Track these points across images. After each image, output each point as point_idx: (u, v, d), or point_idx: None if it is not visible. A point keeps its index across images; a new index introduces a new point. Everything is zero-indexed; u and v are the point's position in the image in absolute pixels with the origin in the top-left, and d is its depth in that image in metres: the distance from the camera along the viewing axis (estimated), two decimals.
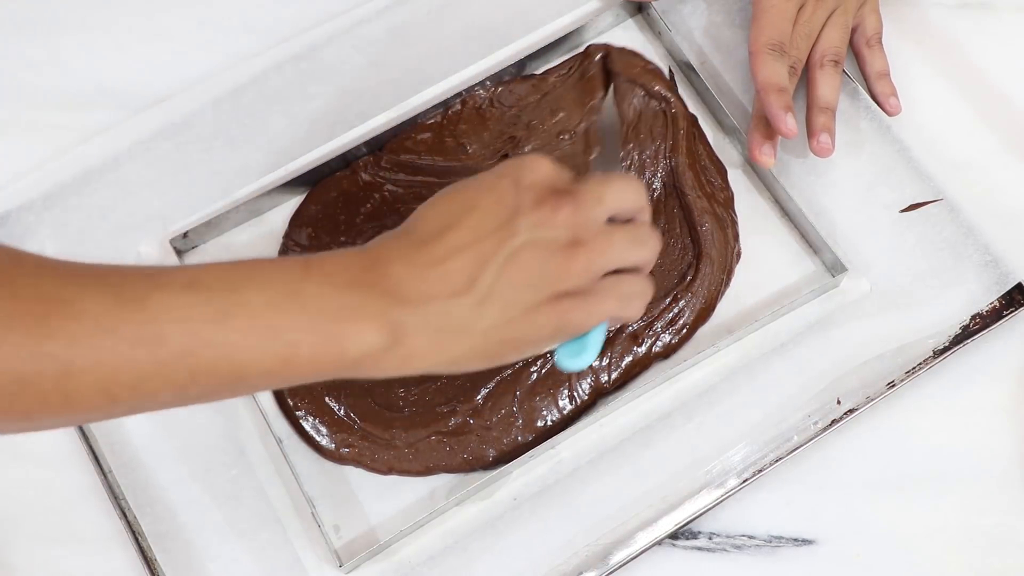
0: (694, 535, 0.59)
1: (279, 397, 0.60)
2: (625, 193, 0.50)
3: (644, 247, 0.50)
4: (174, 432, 0.59)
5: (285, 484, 0.58)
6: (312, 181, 0.65)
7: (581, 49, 0.68)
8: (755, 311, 0.62)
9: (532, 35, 0.69)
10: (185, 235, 0.62)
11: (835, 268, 0.62)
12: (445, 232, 0.46)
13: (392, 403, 0.60)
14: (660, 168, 0.65)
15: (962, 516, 0.59)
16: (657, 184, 0.64)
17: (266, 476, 0.58)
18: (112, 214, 0.63)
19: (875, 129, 0.66)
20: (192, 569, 0.56)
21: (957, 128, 0.68)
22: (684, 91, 0.68)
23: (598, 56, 0.66)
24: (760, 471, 0.58)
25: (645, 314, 0.61)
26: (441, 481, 0.59)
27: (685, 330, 0.61)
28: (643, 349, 0.61)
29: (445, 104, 0.66)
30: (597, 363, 0.60)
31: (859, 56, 0.68)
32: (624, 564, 0.57)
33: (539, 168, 0.48)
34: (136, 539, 0.56)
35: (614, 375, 0.60)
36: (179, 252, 0.63)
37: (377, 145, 0.65)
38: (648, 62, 0.66)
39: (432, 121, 0.66)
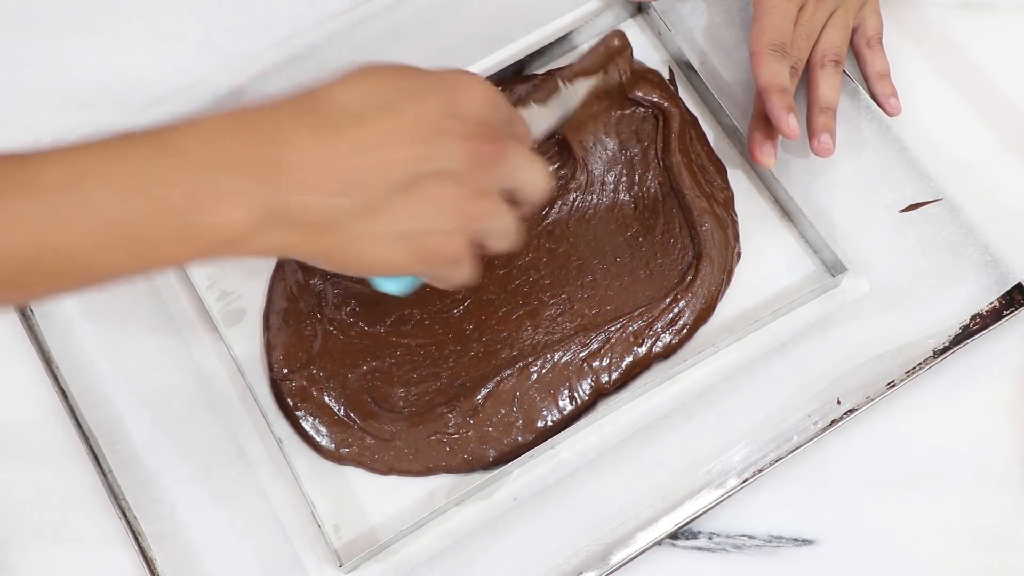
0: (694, 535, 0.59)
1: (279, 397, 0.60)
2: (539, 179, 0.48)
3: (503, 238, 0.47)
4: (174, 432, 0.59)
5: (285, 484, 0.58)
6: None
7: (580, 48, 0.68)
8: (755, 311, 0.62)
9: (532, 35, 0.69)
10: None
11: (835, 268, 0.62)
12: (358, 126, 0.43)
13: (392, 403, 0.60)
14: (652, 169, 0.65)
15: (962, 516, 0.59)
16: (652, 184, 0.64)
17: (266, 476, 0.58)
18: None
19: (875, 129, 0.66)
20: (192, 569, 0.56)
21: (957, 128, 0.68)
22: (684, 91, 0.68)
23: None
24: (760, 471, 0.58)
25: (646, 314, 0.61)
26: (441, 481, 0.59)
27: (685, 330, 0.61)
28: (643, 349, 0.61)
29: None
30: (598, 363, 0.60)
31: (859, 56, 0.68)
32: (624, 564, 0.57)
33: (476, 95, 0.45)
34: (136, 539, 0.56)
35: (614, 375, 0.60)
36: None
37: None
38: (645, 70, 0.66)
39: None
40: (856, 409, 0.59)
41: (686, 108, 0.66)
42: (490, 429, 0.59)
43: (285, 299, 0.62)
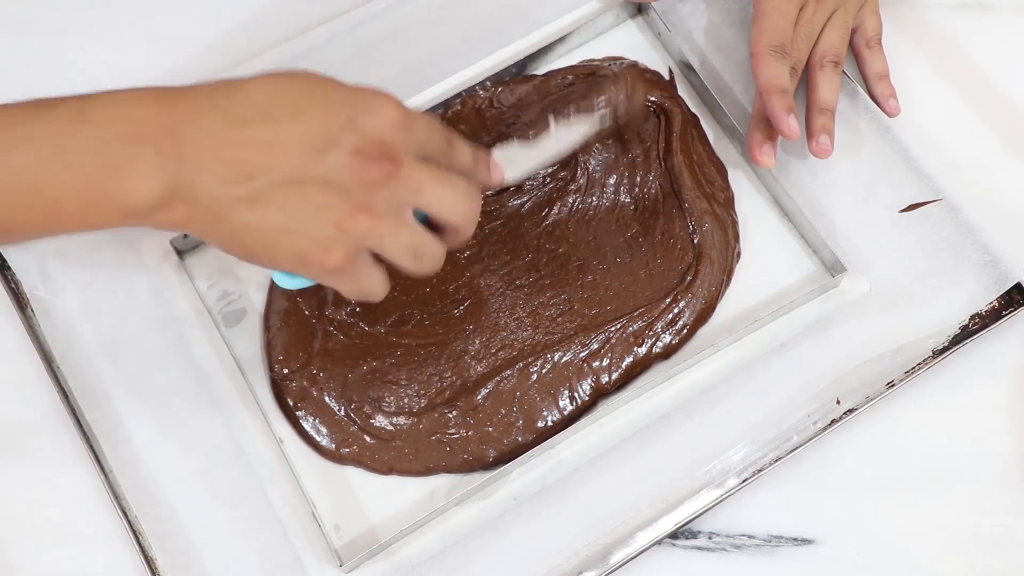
0: (694, 535, 0.59)
1: (279, 397, 0.60)
2: (449, 204, 0.49)
3: (418, 261, 0.49)
4: (174, 432, 0.59)
5: (285, 484, 0.58)
6: None
7: (580, 48, 0.68)
8: (755, 311, 0.62)
9: (532, 35, 0.69)
10: (185, 235, 0.62)
11: (835, 268, 0.62)
12: (259, 122, 0.45)
13: (392, 403, 0.60)
14: (653, 169, 0.65)
15: (962, 516, 0.59)
16: (652, 185, 0.64)
17: (266, 476, 0.58)
18: None
19: (875, 129, 0.66)
20: (192, 569, 0.56)
21: (957, 128, 0.68)
22: (684, 91, 0.68)
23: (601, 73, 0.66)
24: (760, 471, 0.58)
25: (647, 314, 0.61)
26: (441, 481, 0.59)
27: (685, 331, 0.62)
28: (643, 350, 0.61)
29: (445, 104, 0.66)
30: (598, 363, 0.60)
31: (859, 57, 0.68)
32: (624, 564, 0.57)
33: (381, 116, 0.47)
34: (136, 539, 0.56)
35: (615, 376, 0.60)
36: (179, 252, 0.63)
37: None
38: (644, 70, 0.66)
39: None
40: (856, 409, 0.59)
41: (687, 108, 0.66)
42: (490, 429, 0.59)
43: (285, 299, 0.62)
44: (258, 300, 0.62)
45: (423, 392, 0.60)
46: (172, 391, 0.60)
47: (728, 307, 0.63)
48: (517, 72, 0.67)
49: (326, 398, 0.60)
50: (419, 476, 0.59)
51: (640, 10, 0.70)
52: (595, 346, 0.61)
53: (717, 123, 0.67)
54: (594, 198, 0.64)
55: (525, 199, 0.64)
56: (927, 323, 0.61)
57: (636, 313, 0.61)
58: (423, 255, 0.49)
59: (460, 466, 0.59)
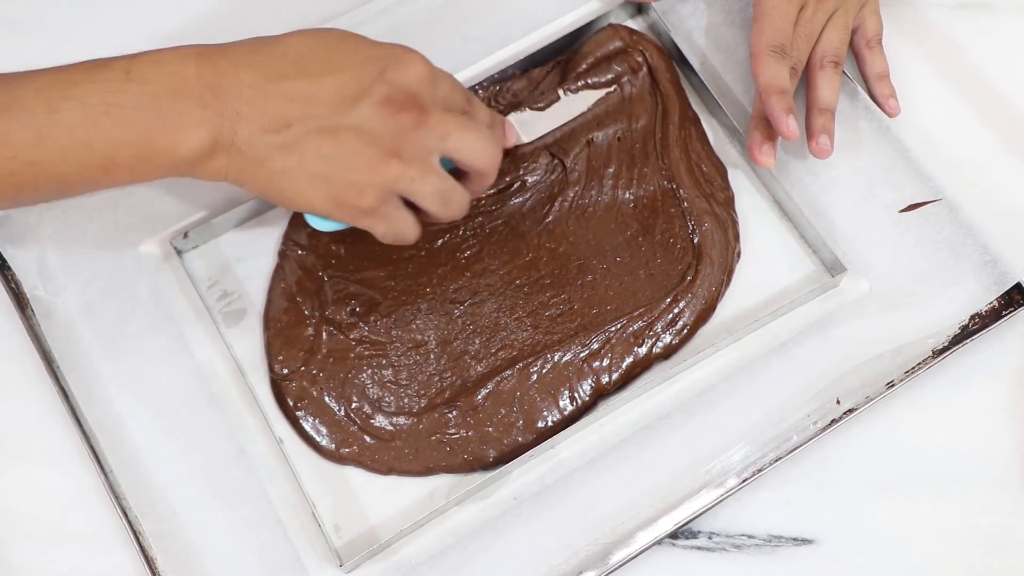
0: (694, 535, 0.59)
1: (279, 397, 0.60)
2: (474, 148, 0.52)
3: (446, 206, 0.52)
4: (174, 432, 0.59)
5: (285, 484, 0.58)
6: None
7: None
8: (755, 311, 0.62)
9: (532, 35, 0.69)
10: (185, 235, 0.62)
11: (834, 268, 0.62)
12: (296, 76, 0.49)
13: (392, 403, 0.60)
14: (651, 162, 0.65)
15: (962, 516, 0.59)
16: (652, 183, 0.64)
17: (266, 476, 0.58)
18: (112, 214, 0.63)
19: (874, 129, 0.66)
20: (192, 569, 0.56)
21: (956, 128, 0.68)
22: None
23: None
24: (760, 471, 0.58)
25: (647, 314, 0.61)
26: (441, 481, 0.59)
27: (686, 331, 0.62)
28: (643, 350, 0.61)
29: None
30: (598, 363, 0.60)
31: (859, 57, 0.68)
32: (624, 564, 0.57)
33: (410, 68, 0.50)
34: (136, 539, 0.56)
35: (615, 376, 0.60)
36: (179, 252, 0.63)
37: None
38: (646, 39, 0.67)
39: None
40: (856, 409, 0.59)
41: (685, 98, 0.66)
42: (490, 429, 0.59)
43: (285, 299, 0.62)
44: (258, 300, 0.62)
45: (423, 392, 0.60)
46: (172, 391, 0.60)
47: (728, 307, 0.63)
48: (517, 72, 0.67)
49: (326, 398, 0.60)
50: (419, 476, 0.59)
51: (640, 10, 0.70)
52: (595, 346, 0.61)
53: (717, 123, 0.67)
54: (593, 192, 0.64)
55: (525, 197, 0.64)
56: (927, 323, 0.61)
57: (636, 313, 0.61)
58: (450, 200, 0.52)
59: (460, 466, 0.59)
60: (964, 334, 0.61)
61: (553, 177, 0.65)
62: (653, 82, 0.66)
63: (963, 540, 0.59)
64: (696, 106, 0.67)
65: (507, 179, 0.64)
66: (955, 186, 0.64)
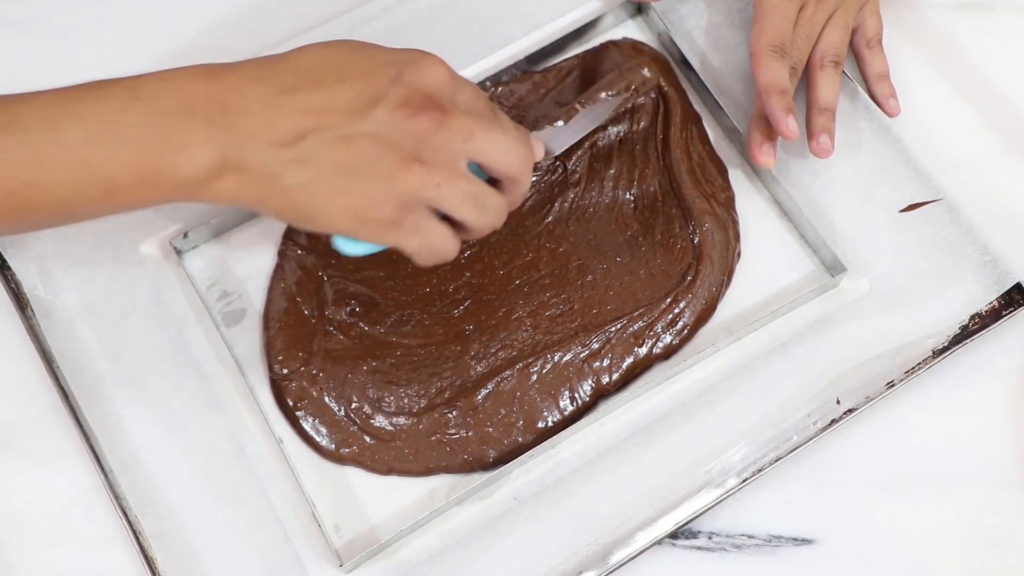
0: (694, 535, 0.59)
1: (279, 397, 0.60)
2: (502, 150, 0.48)
3: (480, 212, 0.49)
4: (174, 432, 0.59)
5: (285, 484, 0.58)
6: None
7: (580, 48, 0.68)
8: (755, 311, 0.62)
9: (532, 35, 0.69)
10: (185, 235, 0.62)
11: (834, 268, 0.62)
12: (307, 88, 0.46)
13: (392, 403, 0.60)
14: (652, 164, 0.65)
15: (962, 516, 0.59)
16: (652, 184, 0.64)
17: (266, 476, 0.58)
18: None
19: (874, 129, 0.66)
20: (192, 569, 0.56)
21: (956, 128, 0.68)
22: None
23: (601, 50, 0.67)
24: (760, 471, 0.58)
25: (647, 314, 0.61)
26: (441, 481, 0.59)
27: (686, 331, 0.62)
28: (644, 350, 0.61)
29: None
30: (598, 364, 0.60)
31: (859, 57, 0.68)
32: (624, 564, 0.57)
33: (429, 72, 0.47)
34: (136, 539, 0.56)
35: (615, 376, 0.60)
36: (179, 252, 0.63)
37: None
38: (649, 52, 0.67)
39: None
40: (856, 409, 0.59)
41: (687, 99, 0.66)
42: (490, 430, 0.59)
43: (285, 299, 0.62)
44: (258, 300, 0.62)
45: (423, 392, 0.60)
46: (172, 391, 0.60)
47: (728, 307, 0.63)
48: (517, 72, 0.67)
49: (326, 398, 0.60)
50: (419, 476, 0.59)
51: (640, 10, 0.70)
52: (595, 346, 0.61)
53: (717, 123, 0.67)
54: (594, 193, 0.64)
55: (526, 197, 0.64)
56: (927, 323, 0.61)
57: (636, 313, 0.61)
58: (485, 205, 0.49)
59: (460, 466, 0.59)
60: (964, 334, 0.61)
61: (554, 178, 0.65)
62: (656, 89, 0.66)
63: (963, 540, 0.59)
64: (696, 106, 0.67)
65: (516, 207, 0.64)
66: (955, 186, 0.64)
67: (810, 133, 0.63)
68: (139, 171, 0.45)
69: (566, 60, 0.68)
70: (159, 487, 0.58)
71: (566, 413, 0.60)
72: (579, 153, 0.65)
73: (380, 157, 0.46)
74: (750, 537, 0.59)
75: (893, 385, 0.60)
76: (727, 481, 0.58)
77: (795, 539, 0.59)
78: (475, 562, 0.57)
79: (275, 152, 0.46)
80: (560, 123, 0.61)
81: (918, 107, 0.68)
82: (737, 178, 0.66)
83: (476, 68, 0.68)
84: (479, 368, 0.61)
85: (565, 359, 0.61)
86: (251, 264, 0.63)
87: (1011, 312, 0.62)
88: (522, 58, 0.67)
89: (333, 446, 0.59)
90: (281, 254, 0.63)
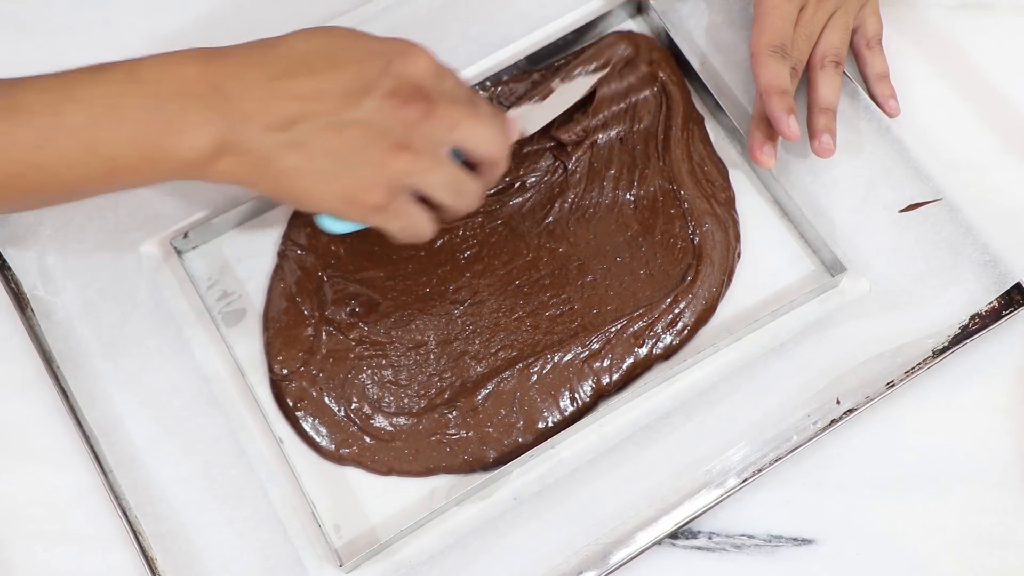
0: (694, 535, 0.59)
1: (279, 398, 0.60)
2: (484, 137, 0.51)
3: (459, 197, 0.52)
4: (174, 432, 0.59)
5: (285, 484, 0.58)
6: None
7: (583, 46, 0.69)
8: (755, 311, 0.62)
9: (532, 35, 0.69)
10: (185, 235, 0.62)
11: (834, 268, 0.62)
12: (300, 74, 0.49)
13: (392, 404, 0.60)
14: (652, 164, 0.65)
15: (962, 516, 0.59)
16: (652, 184, 0.64)
17: (266, 476, 0.58)
18: (112, 214, 0.63)
19: (875, 129, 0.66)
20: (192, 569, 0.56)
21: (956, 128, 0.68)
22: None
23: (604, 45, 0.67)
24: (760, 471, 0.58)
25: (647, 314, 0.61)
26: (441, 481, 0.59)
27: (686, 331, 0.61)
28: (644, 350, 0.61)
29: None
30: (598, 364, 0.60)
31: (859, 57, 0.68)
32: (624, 564, 0.57)
33: (415, 62, 0.50)
34: (136, 539, 0.56)
35: (615, 377, 0.60)
36: (179, 252, 0.63)
37: None
38: (654, 44, 0.67)
39: None
40: (856, 409, 0.59)
41: (691, 99, 0.66)
42: (490, 430, 0.59)
43: (285, 299, 0.62)
44: (258, 300, 0.62)
45: (423, 392, 0.60)
46: (172, 391, 0.60)
47: (728, 307, 0.63)
48: (518, 72, 0.67)
49: (326, 399, 0.60)
50: (419, 477, 0.59)
51: (640, 10, 0.70)
52: (596, 346, 0.61)
53: (717, 123, 0.67)
54: (594, 193, 0.64)
55: (525, 198, 0.64)
56: (927, 323, 0.61)
57: (636, 314, 0.61)
58: (462, 191, 0.52)
59: (460, 467, 0.59)
60: (964, 334, 0.61)
61: (554, 178, 0.65)
62: (660, 86, 0.66)
63: (963, 540, 0.59)
64: (696, 106, 0.67)
65: (507, 179, 0.64)
66: (955, 186, 0.64)
67: (812, 133, 0.63)
68: (140, 152, 0.47)
69: (566, 57, 0.68)
70: (159, 487, 0.58)
71: (566, 413, 0.60)
72: (579, 153, 0.65)
73: (370, 144, 0.49)
74: (750, 537, 0.59)
75: (893, 385, 0.60)
76: (727, 481, 0.58)
77: (795, 539, 0.59)
78: (475, 562, 0.57)
79: (270, 135, 0.48)
80: (536, 101, 0.63)
81: (918, 107, 0.68)
82: (737, 178, 0.66)
83: (476, 68, 0.68)
84: (479, 368, 0.61)
85: (565, 359, 0.60)
86: (251, 264, 0.63)
87: (1011, 312, 0.62)
88: (522, 58, 0.67)
89: (333, 446, 0.59)
90: (281, 254, 0.63)
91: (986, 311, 0.62)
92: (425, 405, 0.60)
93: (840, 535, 0.59)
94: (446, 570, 0.57)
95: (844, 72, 0.65)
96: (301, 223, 0.64)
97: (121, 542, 0.57)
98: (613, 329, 0.61)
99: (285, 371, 0.60)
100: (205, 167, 0.48)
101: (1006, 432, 0.61)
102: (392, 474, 0.59)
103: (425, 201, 0.52)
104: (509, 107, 0.66)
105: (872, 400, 0.60)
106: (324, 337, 0.61)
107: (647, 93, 0.66)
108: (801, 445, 0.59)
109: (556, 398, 0.60)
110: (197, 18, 0.70)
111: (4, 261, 0.62)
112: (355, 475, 0.59)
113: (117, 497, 0.57)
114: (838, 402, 0.60)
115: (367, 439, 0.59)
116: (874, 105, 0.66)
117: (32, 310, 0.61)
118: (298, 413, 0.60)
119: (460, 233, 0.63)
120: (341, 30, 0.51)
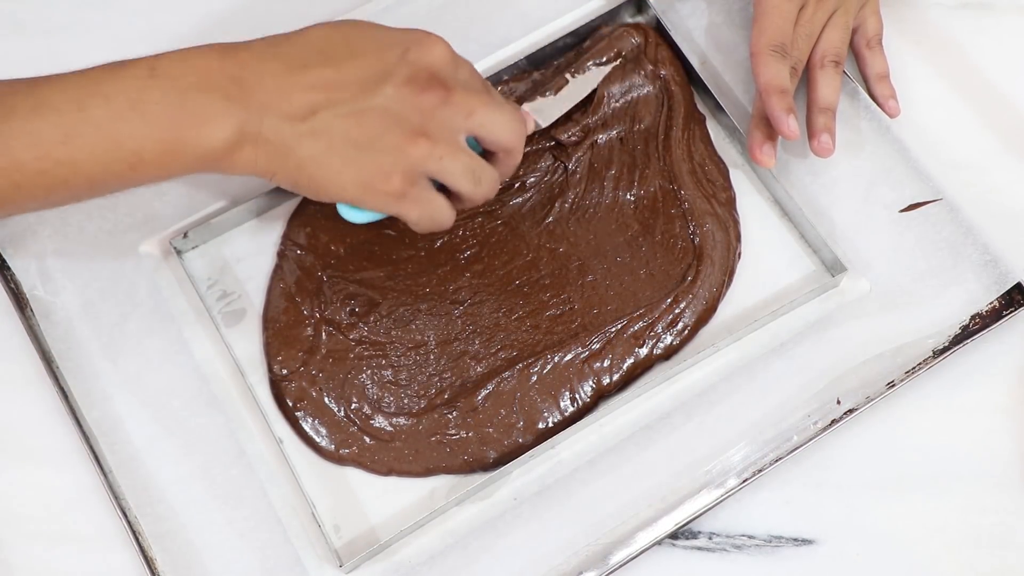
0: (694, 535, 0.59)
1: (279, 398, 0.60)
2: (500, 124, 0.52)
3: (476, 184, 0.52)
4: (174, 432, 0.59)
5: (285, 484, 0.58)
6: None
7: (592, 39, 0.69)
8: (755, 311, 0.62)
9: (532, 35, 0.69)
10: (185, 235, 0.62)
11: (835, 268, 0.62)
12: (318, 64, 0.49)
13: (392, 404, 0.60)
14: (652, 164, 0.65)
15: (962, 516, 0.59)
16: (653, 184, 0.64)
17: (266, 476, 0.58)
18: (112, 214, 0.63)
19: (875, 129, 0.66)
20: (192, 569, 0.56)
21: (957, 128, 0.68)
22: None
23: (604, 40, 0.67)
24: (760, 471, 0.58)
25: (647, 315, 0.61)
26: (441, 481, 0.59)
27: (686, 331, 0.61)
28: (644, 351, 0.61)
29: None
30: (599, 364, 0.60)
31: (859, 57, 0.68)
32: (624, 564, 0.57)
33: (432, 50, 0.51)
34: (136, 539, 0.56)
35: (615, 377, 0.60)
36: (179, 252, 0.63)
37: None
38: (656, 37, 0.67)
39: None
40: (856, 409, 0.59)
41: (692, 98, 0.66)
42: (490, 430, 0.59)
43: (285, 299, 0.62)
44: (258, 300, 0.62)
45: (423, 393, 0.60)
46: (172, 391, 0.60)
47: (728, 307, 0.63)
48: (518, 72, 0.67)
49: (325, 399, 0.60)
50: (419, 477, 0.59)
51: (640, 9, 0.70)
52: (596, 347, 0.61)
53: (717, 123, 0.67)
54: (594, 193, 0.64)
55: (525, 198, 0.64)
56: (927, 323, 0.61)
57: (637, 314, 0.61)
58: (480, 178, 0.52)
59: (460, 467, 0.59)
60: (964, 334, 0.61)
61: (554, 178, 0.65)
62: (662, 85, 0.66)
63: (963, 540, 0.59)
64: (697, 106, 0.67)
65: (507, 179, 0.64)
66: (955, 186, 0.64)
67: (811, 132, 0.63)
68: (163, 145, 0.48)
69: (576, 50, 0.68)
70: (159, 487, 0.58)
71: (566, 414, 0.60)
72: (580, 153, 0.65)
73: (388, 131, 0.49)
74: (750, 537, 0.59)
75: (893, 385, 0.60)
76: (727, 481, 0.58)
77: (795, 539, 0.59)
78: (475, 562, 0.57)
79: (290, 125, 0.49)
80: (550, 94, 0.63)
81: (918, 107, 0.68)
82: (737, 178, 0.66)
83: (476, 68, 0.67)
84: (479, 368, 0.61)
85: (565, 359, 0.60)
86: (251, 264, 0.63)
87: (1011, 312, 0.62)
88: (522, 58, 0.67)
89: (333, 446, 0.59)
90: (280, 254, 0.63)
91: (986, 311, 0.62)
92: (425, 405, 0.60)
93: (840, 535, 0.59)
94: (446, 570, 0.57)
95: (844, 72, 0.65)
96: (301, 223, 0.64)
97: (121, 542, 0.57)
98: (613, 329, 0.61)
99: (285, 371, 0.60)
100: (225, 158, 0.49)
101: (1006, 432, 0.61)
102: (392, 474, 0.59)
103: (444, 190, 0.53)
104: (521, 102, 0.66)
105: (872, 400, 0.60)
106: (324, 337, 0.61)
107: (649, 92, 0.66)
108: (801, 445, 0.59)
109: (556, 398, 0.60)
110: (197, 18, 0.70)
111: (4, 261, 0.62)
112: (355, 475, 0.59)
113: (117, 497, 0.57)
114: (838, 402, 0.60)
115: (367, 439, 0.59)
116: (874, 105, 0.66)
117: (32, 310, 0.61)
118: (298, 413, 0.59)
119: (460, 233, 0.63)
120: (357, 22, 0.52)
